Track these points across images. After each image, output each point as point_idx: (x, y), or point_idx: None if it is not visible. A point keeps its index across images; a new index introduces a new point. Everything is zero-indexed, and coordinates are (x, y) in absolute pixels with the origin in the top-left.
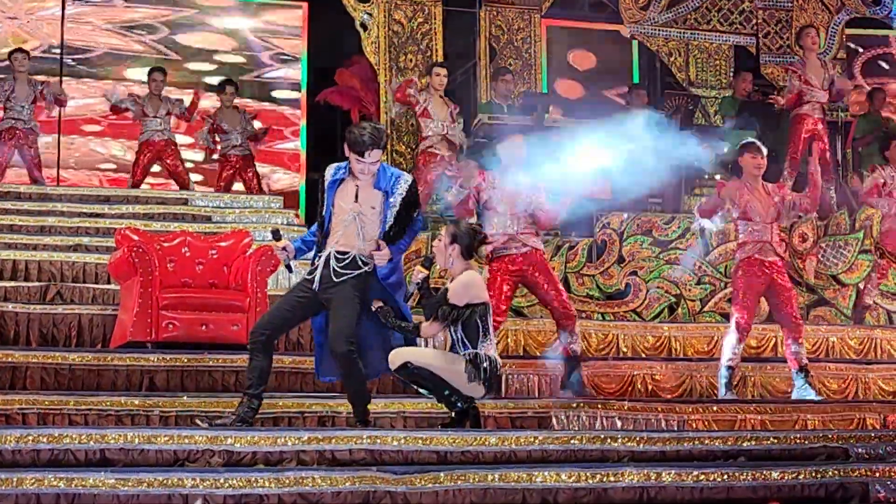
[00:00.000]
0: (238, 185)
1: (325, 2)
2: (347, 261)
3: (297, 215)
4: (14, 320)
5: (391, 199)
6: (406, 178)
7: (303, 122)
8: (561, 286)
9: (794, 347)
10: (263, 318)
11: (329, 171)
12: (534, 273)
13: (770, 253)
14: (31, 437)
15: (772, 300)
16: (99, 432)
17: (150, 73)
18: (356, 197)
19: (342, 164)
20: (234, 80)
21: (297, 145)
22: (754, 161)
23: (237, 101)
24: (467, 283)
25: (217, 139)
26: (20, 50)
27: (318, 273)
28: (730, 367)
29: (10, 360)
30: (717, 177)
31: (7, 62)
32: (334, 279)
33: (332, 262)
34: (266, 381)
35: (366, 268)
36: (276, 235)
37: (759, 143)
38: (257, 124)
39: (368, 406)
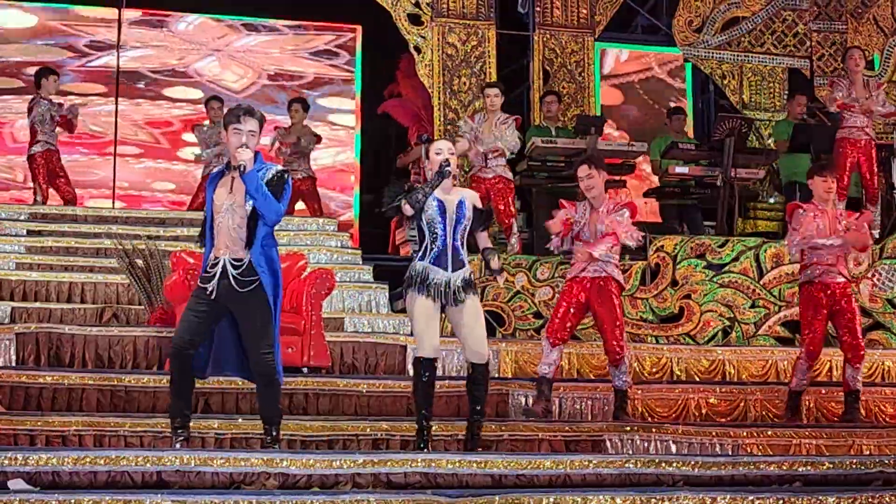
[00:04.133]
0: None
1: (379, 25)
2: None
3: (350, 238)
4: (70, 342)
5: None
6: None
7: (357, 145)
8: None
9: (850, 372)
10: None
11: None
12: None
13: (835, 276)
14: (88, 459)
15: (834, 322)
16: (155, 454)
17: (207, 103)
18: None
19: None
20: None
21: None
22: (825, 184)
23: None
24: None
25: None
26: (51, 71)
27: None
28: (794, 392)
29: (66, 382)
30: (771, 200)
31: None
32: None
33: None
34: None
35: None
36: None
37: (830, 166)
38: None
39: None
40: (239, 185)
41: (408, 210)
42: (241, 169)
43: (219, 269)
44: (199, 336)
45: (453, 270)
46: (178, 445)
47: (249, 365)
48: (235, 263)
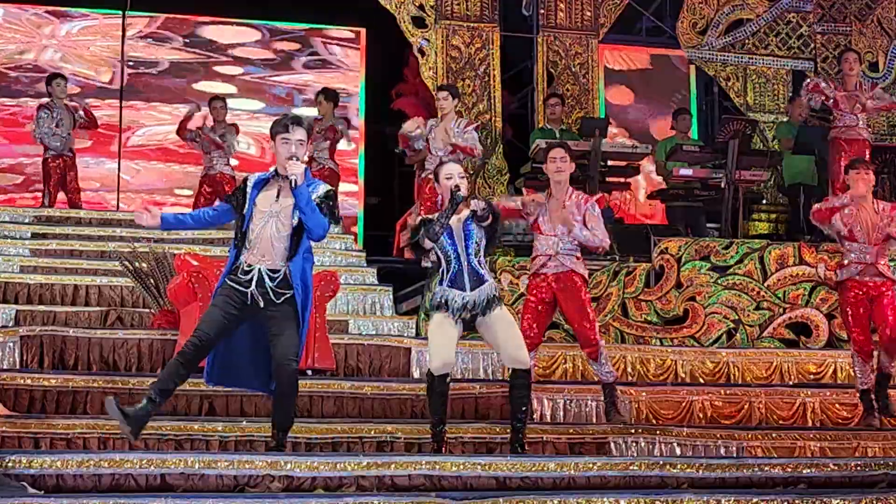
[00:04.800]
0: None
1: (383, 27)
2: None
3: (355, 240)
4: (75, 345)
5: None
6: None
7: (361, 147)
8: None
9: (885, 359)
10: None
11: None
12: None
13: (873, 275)
14: (92, 462)
15: (874, 318)
16: (159, 457)
17: (210, 102)
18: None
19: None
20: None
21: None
22: (867, 178)
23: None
24: None
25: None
26: (60, 76)
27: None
28: (864, 391)
29: (71, 384)
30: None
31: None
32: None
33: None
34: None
35: None
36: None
37: (867, 160)
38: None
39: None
40: (286, 195)
41: (428, 245)
42: (293, 183)
43: (254, 276)
44: (220, 336)
45: (472, 289)
46: (145, 402)
47: (272, 370)
48: (272, 274)
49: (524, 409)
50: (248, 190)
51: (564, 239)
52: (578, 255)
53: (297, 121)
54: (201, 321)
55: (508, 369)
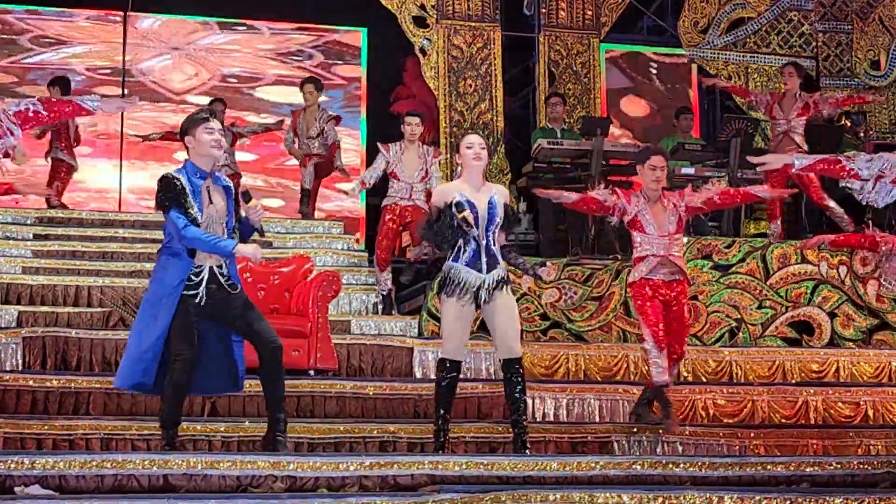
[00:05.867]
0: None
1: (384, 26)
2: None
3: (357, 240)
4: (77, 346)
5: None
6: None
7: (363, 147)
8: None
9: None
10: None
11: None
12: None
13: None
14: (94, 463)
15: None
16: (162, 457)
17: (211, 104)
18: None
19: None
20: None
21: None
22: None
23: None
24: None
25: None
26: (58, 81)
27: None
28: None
29: (73, 385)
30: None
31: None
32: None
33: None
34: None
35: None
36: (246, 197)
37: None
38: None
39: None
40: (216, 195)
41: (445, 248)
42: (260, 229)
43: (205, 275)
44: (198, 346)
45: (488, 271)
46: (167, 442)
47: (261, 345)
48: (220, 270)
49: (522, 400)
50: (187, 191)
51: (675, 239)
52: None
53: (213, 113)
54: (177, 343)
55: (503, 365)
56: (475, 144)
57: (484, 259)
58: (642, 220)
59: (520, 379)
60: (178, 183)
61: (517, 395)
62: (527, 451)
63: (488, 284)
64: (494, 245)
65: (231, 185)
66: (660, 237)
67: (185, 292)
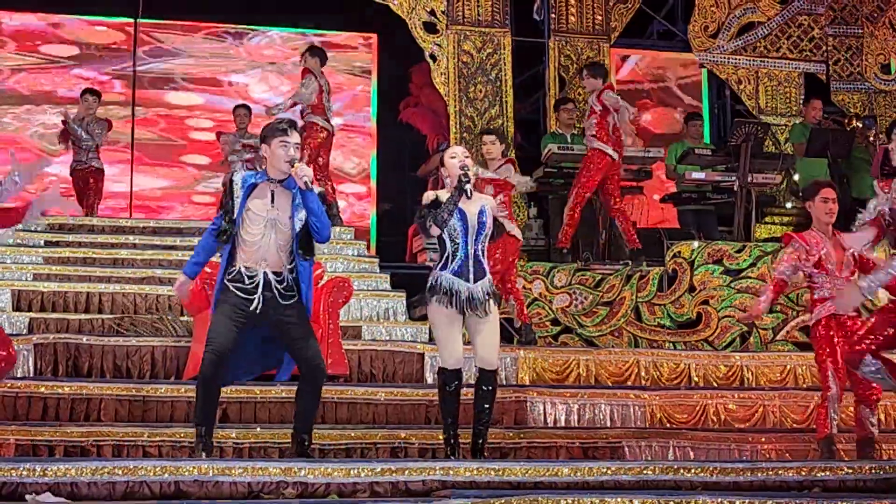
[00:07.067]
0: None
1: (395, 33)
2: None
3: (367, 247)
4: (88, 352)
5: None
6: None
7: (373, 153)
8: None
9: None
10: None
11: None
12: None
13: None
14: (106, 470)
15: None
16: (173, 464)
17: (234, 110)
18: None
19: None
20: None
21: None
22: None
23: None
24: None
25: None
26: (87, 91)
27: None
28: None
29: (84, 392)
30: (788, 205)
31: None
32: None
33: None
34: None
35: None
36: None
37: None
38: None
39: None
40: (282, 200)
41: (435, 231)
42: (307, 185)
43: (259, 281)
44: (234, 344)
45: (475, 281)
46: (203, 455)
47: (303, 362)
48: (277, 278)
49: (489, 410)
50: (237, 192)
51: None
52: None
53: (293, 124)
54: (213, 333)
55: (478, 373)
56: (459, 154)
57: (472, 269)
58: (825, 259)
59: (491, 390)
60: (231, 183)
61: (486, 406)
62: (485, 456)
63: (477, 295)
64: (483, 256)
65: (307, 188)
66: (840, 278)
67: (239, 294)
